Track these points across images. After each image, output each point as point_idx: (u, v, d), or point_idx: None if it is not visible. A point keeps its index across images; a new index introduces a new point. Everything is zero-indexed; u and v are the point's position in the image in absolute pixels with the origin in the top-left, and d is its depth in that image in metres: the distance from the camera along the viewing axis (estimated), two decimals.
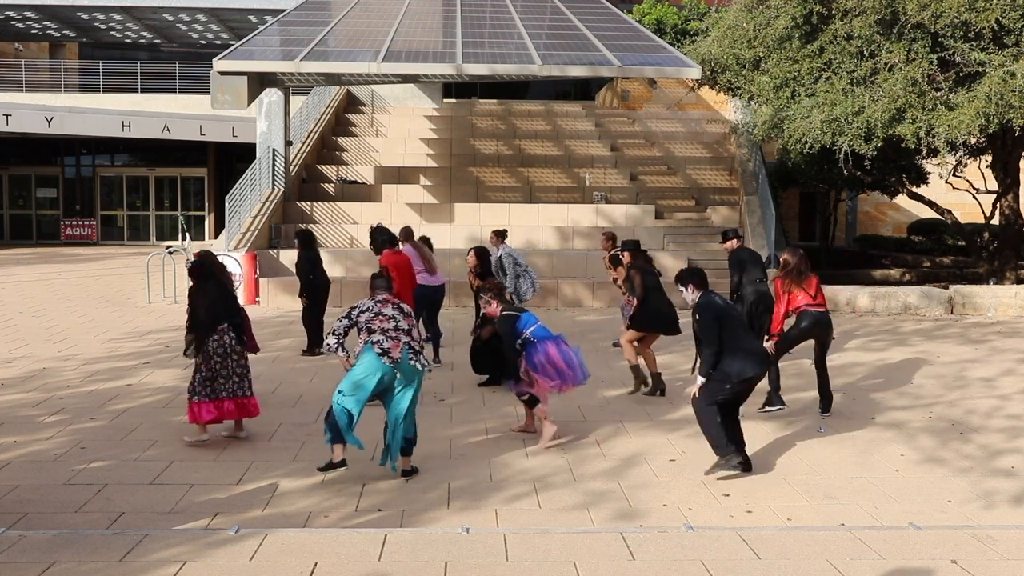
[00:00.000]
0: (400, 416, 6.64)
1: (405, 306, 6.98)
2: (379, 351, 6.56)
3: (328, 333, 6.79)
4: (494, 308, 7.92)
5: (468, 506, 6.23)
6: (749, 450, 7.40)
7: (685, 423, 8.31)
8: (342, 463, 6.65)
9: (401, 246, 10.98)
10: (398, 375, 6.63)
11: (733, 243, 10.59)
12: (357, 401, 6.59)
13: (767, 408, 8.63)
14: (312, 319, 11.58)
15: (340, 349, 6.72)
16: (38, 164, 31.74)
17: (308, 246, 11.76)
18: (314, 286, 11.57)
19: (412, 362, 6.65)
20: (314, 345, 11.47)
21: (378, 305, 6.78)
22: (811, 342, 8.80)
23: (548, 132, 25.92)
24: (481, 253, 10.65)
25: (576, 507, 6.25)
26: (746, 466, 6.82)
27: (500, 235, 11.84)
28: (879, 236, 27.81)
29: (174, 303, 15.80)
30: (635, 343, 9.55)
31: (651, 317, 9.46)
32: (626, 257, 10.17)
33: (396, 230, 11.22)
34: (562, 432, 7.88)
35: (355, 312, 6.75)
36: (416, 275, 10.68)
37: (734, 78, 17.75)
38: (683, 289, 7.07)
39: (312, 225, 19.10)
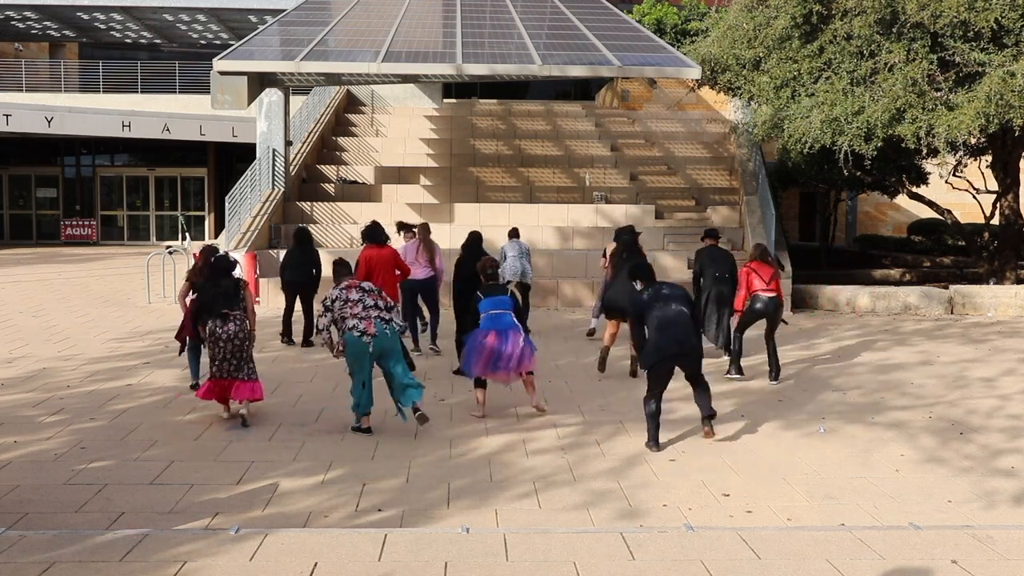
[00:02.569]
0: (399, 375, 7.76)
1: (366, 284, 8.00)
2: (357, 333, 7.66)
3: (316, 329, 7.92)
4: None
5: (468, 506, 6.23)
6: (750, 452, 7.41)
7: (685, 423, 8.32)
8: (368, 430, 7.84)
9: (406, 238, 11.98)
10: (377, 348, 7.66)
11: (704, 242, 11.84)
12: (362, 379, 7.74)
13: (728, 375, 10.32)
14: (285, 313, 12.47)
15: (328, 332, 7.84)
16: (38, 164, 31.72)
17: (295, 243, 12.47)
18: (283, 284, 12.40)
19: (386, 329, 7.73)
20: (284, 335, 12.37)
21: (344, 292, 7.82)
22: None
23: (548, 132, 25.90)
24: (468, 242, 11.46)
25: (576, 507, 6.26)
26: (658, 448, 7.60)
27: (508, 233, 13.61)
28: (879, 236, 27.79)
29: (174, 303, 15.76)
30: (614, 332, 10.62)
31: (607, 304, 10.73)
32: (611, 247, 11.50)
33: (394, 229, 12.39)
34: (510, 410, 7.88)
35: (328, 302, 7.80)
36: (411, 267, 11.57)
37: (734, 78, 17.73)
38: (634, 285, 8.16)
39: (312, 225, 19.08)
